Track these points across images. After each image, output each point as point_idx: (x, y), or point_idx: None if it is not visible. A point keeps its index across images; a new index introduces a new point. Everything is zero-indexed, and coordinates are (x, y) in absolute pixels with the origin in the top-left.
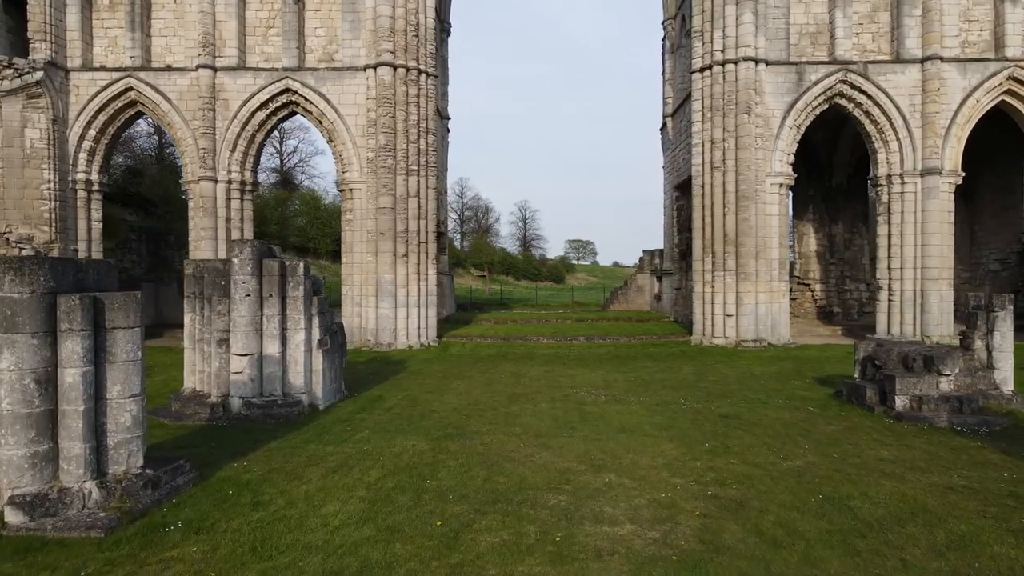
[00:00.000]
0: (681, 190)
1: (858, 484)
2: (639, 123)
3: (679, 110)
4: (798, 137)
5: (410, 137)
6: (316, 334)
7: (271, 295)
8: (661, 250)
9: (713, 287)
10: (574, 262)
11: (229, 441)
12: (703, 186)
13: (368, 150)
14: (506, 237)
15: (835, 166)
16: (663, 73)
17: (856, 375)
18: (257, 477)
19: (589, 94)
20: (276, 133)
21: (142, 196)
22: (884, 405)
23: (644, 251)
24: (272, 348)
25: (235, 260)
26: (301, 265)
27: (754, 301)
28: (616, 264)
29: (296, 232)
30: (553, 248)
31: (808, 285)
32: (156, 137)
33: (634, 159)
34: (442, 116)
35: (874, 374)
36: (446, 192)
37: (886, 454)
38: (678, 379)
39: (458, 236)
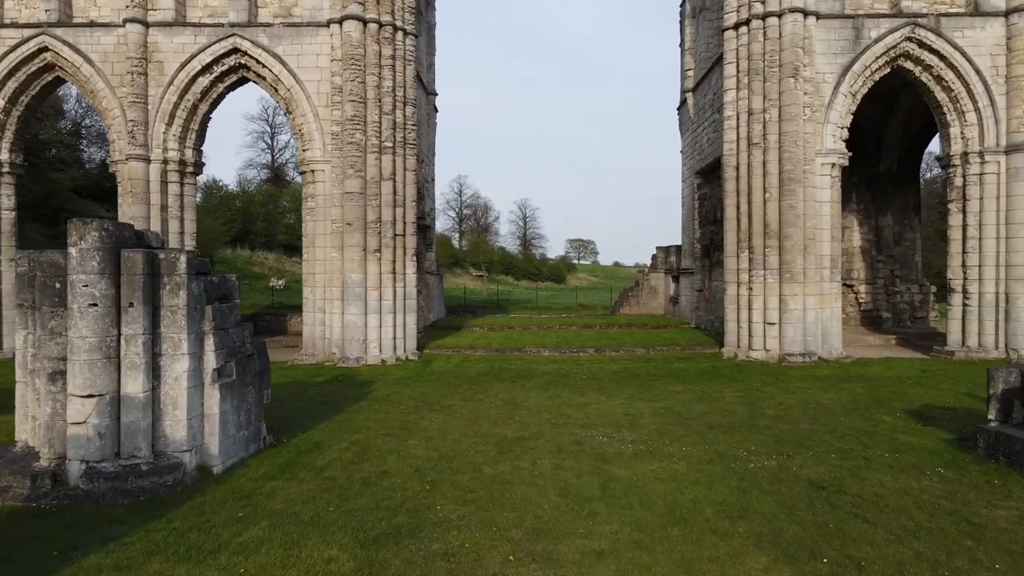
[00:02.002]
0: (703, 176)
1: None
2: (638, 121)
3: (702, 82)
4: (853, 107)
5: (384, 107)
6: (211, 361)
7: (133, 304)
8: (678, 246)
9: (751, 289)
10: (575, 262)
11: (23, 549)
12: (737, 167)
13: (333, 123)
14: (506, 236)
15: (883, 148)
16: (681, 44)
17: (992, 416)
18: None
19: (587, 92)
20: (267, 128)
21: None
22: None
23: (658, 247)
24: (135, 384)
25: (73, 251)
26: (184, 257)
27: (801, 306)
28: (617, 264)
29: (284, 230)
30: (554, 247)
31: (851, 286)
32: None
33: (633, 158)
34: (427, 91)
35: None
36: (433, 179)
37: None
38: (724, 411)
39: (456, 235)
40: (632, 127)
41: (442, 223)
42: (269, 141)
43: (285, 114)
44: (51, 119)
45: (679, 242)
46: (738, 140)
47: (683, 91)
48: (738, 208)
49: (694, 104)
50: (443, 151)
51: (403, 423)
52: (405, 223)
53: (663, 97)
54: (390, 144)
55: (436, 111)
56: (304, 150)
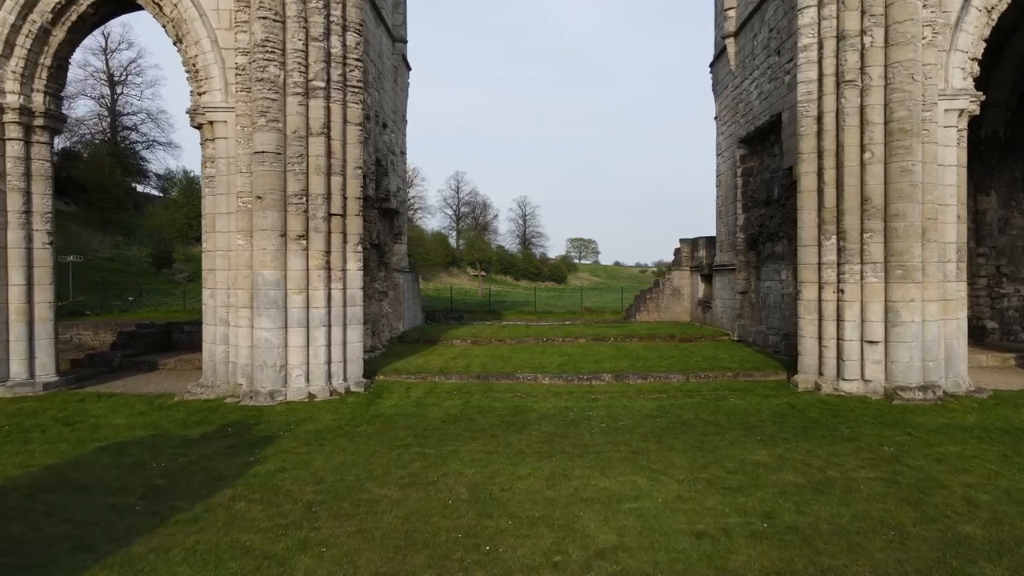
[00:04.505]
0: (750, 144)
1: None
2: (638, 120)
3: (751, 19)
4: (987, 32)
5: (312, 31)
6: None
7: None
8: (708, 238)
9: (841, 292)
10: (576, 261)
11: None
12: (820, 117)
13: (238, 52)
14: (505, 235)
15: (986, 107)
16: None
17: None
18: None
19: (586, 90)
20: None
21: (75, 181)
22: None
23: (682, 240)
24: None
25: None
26: None
27: (919, 316)
28: (617, 264)
29: None
30: (554, 247)
31: None
32: (109, 119)
33: (632, 157)
34: (393, 36)
35: None
36: (404, 152)
37: None
38: (883, 527)
39: (454, 233)
40: (632, 126)
41: (439, 221)
42: None
43: (174, 44)
44: None
45: (692, 237)
46: (821, 78)
47: (720, 38)
48: (820, 176)
49: (736, 52)
50: (442, 151)
51: (253, 569)
52: (346, 198)
53: (663, 96)
54: (322, 84)
55: (408, 68)
56: (200, 93)
